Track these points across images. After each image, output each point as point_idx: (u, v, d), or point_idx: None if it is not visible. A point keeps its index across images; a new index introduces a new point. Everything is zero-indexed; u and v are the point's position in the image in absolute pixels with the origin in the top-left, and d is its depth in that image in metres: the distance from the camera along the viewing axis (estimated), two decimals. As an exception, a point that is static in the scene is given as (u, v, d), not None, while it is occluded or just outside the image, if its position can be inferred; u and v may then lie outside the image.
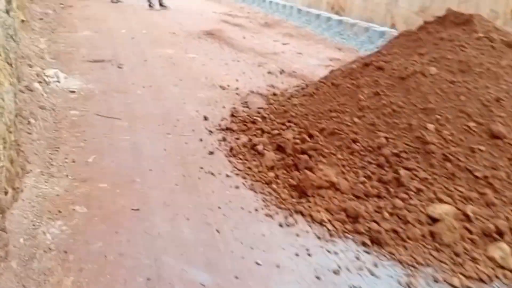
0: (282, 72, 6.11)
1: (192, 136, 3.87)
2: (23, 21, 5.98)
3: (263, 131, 3.79)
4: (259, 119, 4.08)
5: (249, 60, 6.70)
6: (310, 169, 3.17)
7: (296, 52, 7.35)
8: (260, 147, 3.55)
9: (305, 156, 3.29)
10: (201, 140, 3.81)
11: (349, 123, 3.47)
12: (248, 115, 4.25)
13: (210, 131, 3.98)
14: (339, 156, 3.27)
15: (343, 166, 3.20)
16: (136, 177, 3.13)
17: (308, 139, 3.47)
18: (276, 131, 3.71)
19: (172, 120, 4.21)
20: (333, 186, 3.04)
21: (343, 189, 3.01)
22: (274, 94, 4.99)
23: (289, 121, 3.82)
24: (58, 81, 4.83)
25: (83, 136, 3.70)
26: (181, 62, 6.32)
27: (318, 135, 3.49)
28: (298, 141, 3.46)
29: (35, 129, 3.53)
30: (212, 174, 3.27)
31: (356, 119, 3.47)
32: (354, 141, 3.33)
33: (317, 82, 4.33)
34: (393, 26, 8.31)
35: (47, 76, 4.76)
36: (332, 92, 3.85)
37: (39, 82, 4.54)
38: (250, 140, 3.73)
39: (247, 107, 4.61)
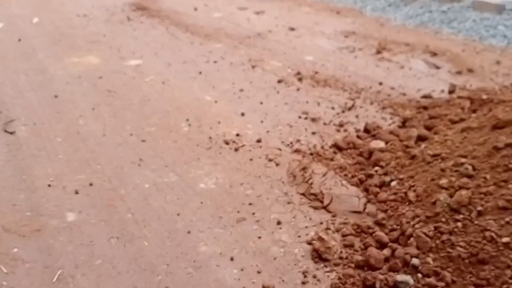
0: (299, 76, 3.57)
1: None
2: None
3: None
4: None
5: (230, 55, 4.01)
6: None
7: (288, 28, 4.74)
8: None
9: None
10: None
11: None
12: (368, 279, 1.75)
13: None
14: None
15: None
16: None
17: None
18: None
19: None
20: None
21: None
22: (350, 157, 2.52)
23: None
24: None
25: None
26: (121, 85, 3.42)
27: None
28: None
29: None
30: None
31: None
32: None
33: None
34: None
35: None
36: None
37: None
38: None
39: (334, 215, 2.09)
